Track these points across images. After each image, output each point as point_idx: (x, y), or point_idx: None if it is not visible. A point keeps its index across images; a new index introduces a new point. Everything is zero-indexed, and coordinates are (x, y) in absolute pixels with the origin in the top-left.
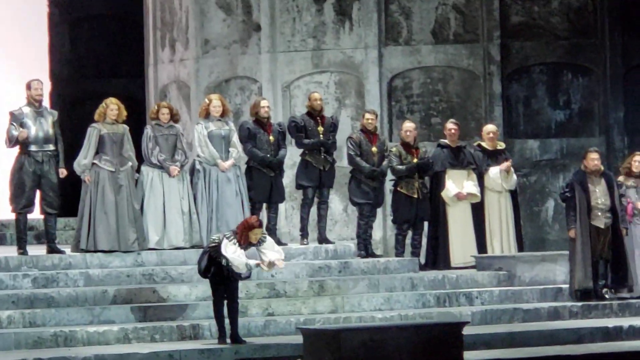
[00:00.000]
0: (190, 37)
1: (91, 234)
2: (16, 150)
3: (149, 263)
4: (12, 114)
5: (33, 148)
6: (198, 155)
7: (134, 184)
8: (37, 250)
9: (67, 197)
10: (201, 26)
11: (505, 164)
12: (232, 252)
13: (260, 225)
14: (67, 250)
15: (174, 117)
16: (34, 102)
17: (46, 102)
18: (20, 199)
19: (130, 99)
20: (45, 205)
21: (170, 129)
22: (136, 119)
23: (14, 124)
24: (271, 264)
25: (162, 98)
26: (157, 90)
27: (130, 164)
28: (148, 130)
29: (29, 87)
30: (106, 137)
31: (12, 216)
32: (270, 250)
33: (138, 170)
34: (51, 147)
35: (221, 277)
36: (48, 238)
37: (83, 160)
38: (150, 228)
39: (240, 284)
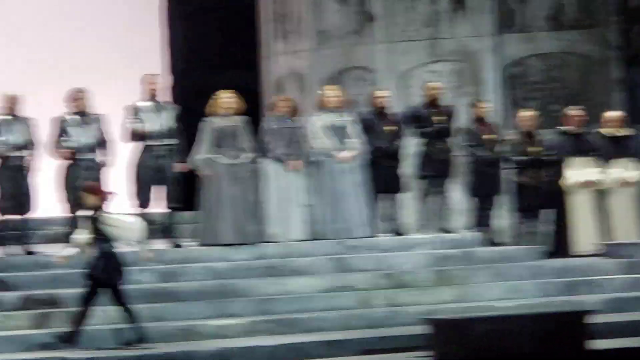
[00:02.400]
0: (305, 28)
1: (212, 229)
2: (137, 144)
3: (271, 255)
4: (130, 108)
5: (152, 142)
6: (315, 147)
7: (252, 176)
8: (159, 245)
9: (190, 191)
10: (316, 17)
11: None
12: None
13: (94, 190)
14: (189, 244)
15: (293, 109)
16: (152, 96)
17: (165, 96)
18: (141, 194)
19: (245, 91)
20: (167, 200)
21: (288, 122)
22: (251, 112)
23: (132, 117)
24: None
25: (278, 90)
26: (273, 83)
27: (247, 155)
28: (267, 123)
29: (144, 81)
30: (221, 130)
31: (132, 211)
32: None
33: (256, 162)
34: (171, 141)
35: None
36: (171, 232)
37: (198, 155)
38: (271, 221)
39: (362, 274)
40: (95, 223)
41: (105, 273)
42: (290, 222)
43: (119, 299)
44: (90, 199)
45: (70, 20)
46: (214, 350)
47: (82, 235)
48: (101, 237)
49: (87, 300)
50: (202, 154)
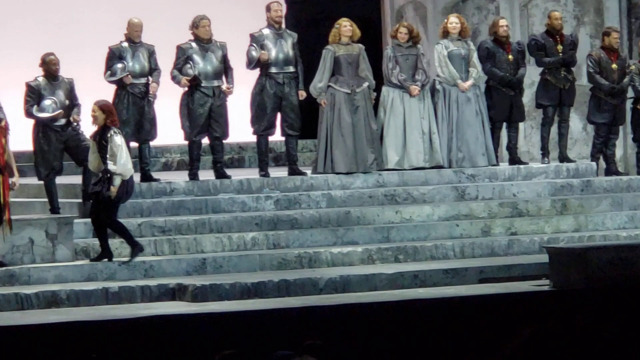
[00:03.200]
0: None
1: (329, 157)
2: (257, 72)
3: (391, 184)
4: (252, 35)
5: (273, 70)
6: (438, 75)
7: (371, 104)
8: (277, 172)
9: (307, 118)
10: None
11: None
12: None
13: (106, 108)
14: (308, 171)
15: (414, 37)
16: (274, 24)
17: (283, 24)
18: (262, 121)
19: (365, 19)
20: (286, 127)
21: (410, 49)
22: (371, 40)
23: (254, 45)
24: None
25: (399, 19)
26: (393, 11)
27: (366, 84)
28: (388, 51)
29: (268, 9)
30: (341, 58)
31: (251, 138)
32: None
33: (376, 90)
34: (291, 69)
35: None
36: (289, 160)
37: (319, 84)
38: (390, 148)
39: (482, 203)
40: (102, 141)
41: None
42: (407, 149)
43: None
44: (101, 117)
45: None
46: (334, 277)
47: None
48: (104, 156)
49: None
50: (322, 82)
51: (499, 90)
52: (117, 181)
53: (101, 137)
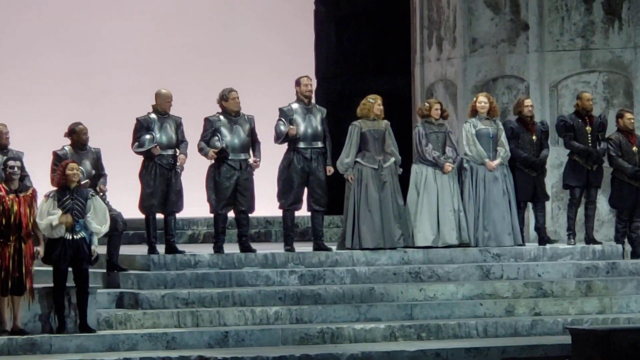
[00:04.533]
0: (457, 35)
1: (356, 232)
2: (285, 146)
3: (415, 261)
4: (281, 110)
5: (301, 145)
6: (465, 154)
7: (397, 179)
8: (303, 247)
9: (333, 194)
10: (469, 25)
11: None
12: (43, 209)
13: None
14: (333, 247)
15: (443, 113)
16: (304, 99)
17: (313, 99)
18: (289, 196)
19: (394, 96)
20: (312, 202)
21: (440, 126)
22: (400, 117)
23: (283, 120)
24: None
25: (429, 96)
26: (424, 89)
27: (393, 159)
28: (420, 128)
29: (298, 83)
30: (368, 134)
31: (278, 213)
32: (94, 215)
33: (401, 166)
34: (319, 144)
35: (63, 259)
36: (315, 235)
37: (346, 159)
38: (425, 226)
39: (507, 283)
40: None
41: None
42: (440, 226)
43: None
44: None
45: (222, 21)
46: (356, 353)
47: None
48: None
49: None
50: (349, 158)
51: (523, 171)
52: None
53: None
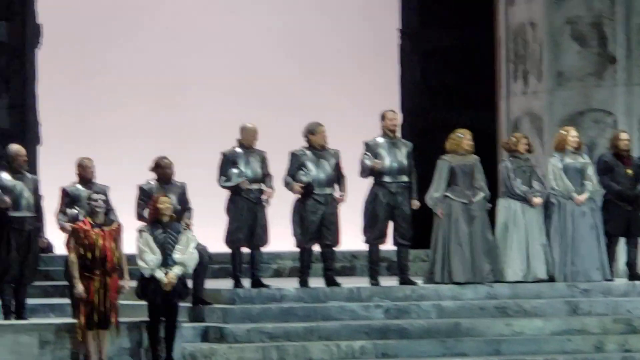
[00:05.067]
0: (544, 69)
1: (446, 266)
2: (370, 181)
3: (502, 296)
4: (366, 144)
5: (387, 179)
6: (553, 189)
7: (486, 214)
8: (388, 282)
9: (419, 228)
10: (555, 58)
11: None
12: (141, 244)
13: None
14: (419, 281)
15: (529, 148)
16: (389, 133)
17: (398, 133)
18: (374, 230)
19: (479, 130)
20: (398, 237)
21: (526, 161)
22: (485, 151)
23: (368, 154)
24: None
25: (514, 130)
26: (510, 123)
27: (482, 194)
28: (507, 163)
29: (384, 117)
30: (457, 168)
31: (363, 247)
32: (184, 248)
33: (490, 201)
34: (405, 178)
35: (158, 294)
36: (400, 269)
37: (435, 194)
38: (515, 261)
39: (595, 319)
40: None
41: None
42: (530, 261)
43: None
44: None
45: (307, 55)
46: None
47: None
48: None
49: None
50: (438, 192)
51: (617, 205)
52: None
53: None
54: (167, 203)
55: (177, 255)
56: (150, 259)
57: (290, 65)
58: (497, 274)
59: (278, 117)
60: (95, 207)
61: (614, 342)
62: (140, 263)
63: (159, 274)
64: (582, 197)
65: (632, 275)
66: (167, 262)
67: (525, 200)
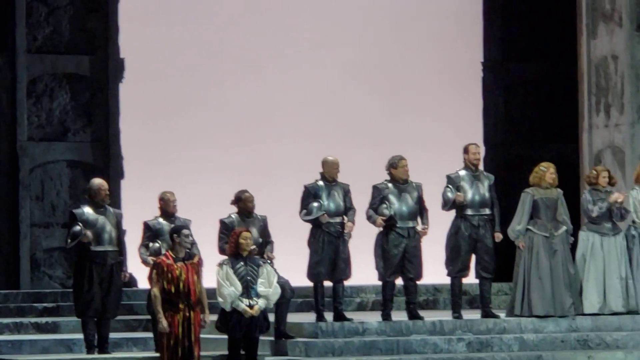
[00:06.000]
0: (625, 102)
1: (526, 299)
2: (452, 214)
3: (584, 329)
4: (449, 177)
5: (469, 212)
6: (634, 222)
7: (569, 248)
8: (471, 315)
9: (501, 261)
10: (637, 91)
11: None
12: (220, 278)
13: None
14: (501, 315)
15: (611, 180)
16: (471, 166)
17: (480, 166)
18: (456, 263)
19: (563, 163)
20: (480, 270)
21: (607, 194)
22: (568, 184)
23: (451, 187)
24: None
25: (597, 163)
26: (592, 156)
27: (564, 228)
28: (587, 195)
29: (466, 150)
30: (540, 201)
31: (446, 280)
32: (266, 282)
33: (573, 235)
34: (487, 211)
35: (239, 328)
36: (483, 302)
37: (517, 226)
38: (592, 293)
39: None
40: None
41: None
42: (607, 294)
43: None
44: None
45: (390, 88)
46: None
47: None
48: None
49: None
50: (521, 225)
51: None
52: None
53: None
54: (249, 238)
55: (261, 289)
56: (229, 292)
57: (373, 99)
58: (579, 308)
59: (361, 151)
60: (185, 242)
61: None
62: (220, 297)
63: (242, 306)
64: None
65: None
66: (249, 295)
67: (604, 233)
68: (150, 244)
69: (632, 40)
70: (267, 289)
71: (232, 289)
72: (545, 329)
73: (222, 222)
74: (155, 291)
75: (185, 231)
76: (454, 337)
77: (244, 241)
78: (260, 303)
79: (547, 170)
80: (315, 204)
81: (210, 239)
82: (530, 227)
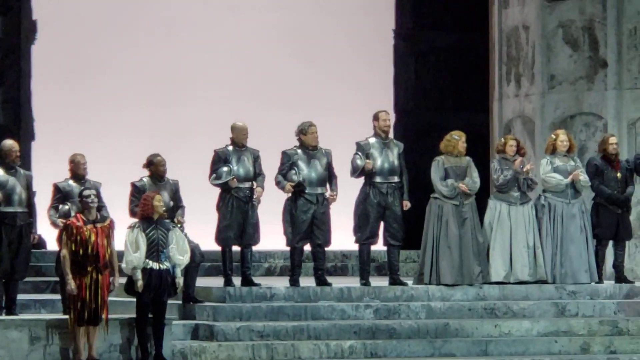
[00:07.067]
0: (536, 72)
1: (434, 268)
2: (361, 181)
3: (491, 297)
4: (358, 144)
5: (378, 179)
6: (544, 191)
7: (477, 216)
8: (379, 282)
9: (410, 229)
10: (547, 61)
11: None
12: (128, 241)
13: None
14: (409, 282)
15: (520, 150)
16: (381, 133)
17: (390, 134)
18: (365, 230)
19: (473, 132)
20: (388, 237)
21: (513, 163)
22: (478, 153)
23: (360, 154)
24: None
25: (507, 132)
26: (502, 125)
27: (474, 196)
28: (495, 163)
29: (376, 118)
30: (450, 170)
31: (354, 247)
32: (176, 247)
33: (477, 198)
34: (396, 178)
35: (147, 291)
36: (391, 270)
37: (444, 188)
38: (497, 262)
39: (582, 320)
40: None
41: None
42: (513, 263)
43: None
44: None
45: (301, 55)
46: None
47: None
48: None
49: None
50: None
51: (606, 208)
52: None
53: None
54: (159, 201)
55: (177, 257)
56: (132, 258)
57: (284, 65)
58: (487, 276)
59: (272, 116)
60: (87, 202)
61: (600, 343)
62: (124, 261)
63: (137, 275)
64: (578, 172)
65: (619, 278)
66: (159, 259)
67: (511, 202)
68: (60, 206)
69: (543, 11)
70: (182, 258)
71: (137, 254)
72: (453, 297)
73: (133, 185)
74: (64, 253)
75: (87, 192)
76: (362, 304)
77: (155, 203)
78: (178, 272)
79: (459, 139)
80: (225, 169)
81: (121, 202)
82: (437, 196)
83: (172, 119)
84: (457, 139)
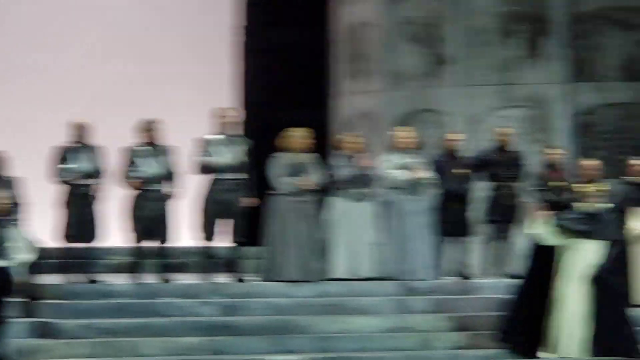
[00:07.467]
0: (378, 69)
1: (276, 264)
2: (205, 177)
3: (333, 294)
4: (202, 140)
5: (222, 176)
6: (387, 187)
7: (317, 212)
8: (221, 279)
9: (255, 225)
10: (388, 58)
11: None
12: None
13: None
14: (252, 279)
15: (360, 147)
16: (225, 130)
17: (237, 130)
18: (207, 227)
19: (315, 129)
20: (232, 234)
21: (353, 160)
22: (319, 149)
23: (202, 150)
24: None
25: (349, 129)
26: (342, 122)
27: (315, 193)
28: (334, 160)
29: (219, 114)
30: (288, 166)
31: (197, 243)
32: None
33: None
34: (240, 175)
35: None
36: (234, 266)
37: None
38: (339, 258)
39: (424, 316)
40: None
41: None
42: (357, 260)
43: None
44: None
45: (142, 50)
46: None
47: None
48: None
49: None
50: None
51: (448, 204)
52: None
53: None
54: (7, 200)
55: (21, 255)
56: None
57: (125, 58)
58: (326, 272)
59: (114, 113)
60: None
61: (443, 339)
62: None
63: None
64: (417, 170)
65: (459, 274)
66: None
67: (356, 198)
68: None
69: (386, 7)
70: (22, 255)
71: None
72: (296, 293)
73: None
74: None
75: None
76: (203, 300)
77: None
78: (20, 270)
79: (297, 136)
80: (62, 166)
81: None
82: (276, 192)
83: (15, 117)
84: (293, 135)
